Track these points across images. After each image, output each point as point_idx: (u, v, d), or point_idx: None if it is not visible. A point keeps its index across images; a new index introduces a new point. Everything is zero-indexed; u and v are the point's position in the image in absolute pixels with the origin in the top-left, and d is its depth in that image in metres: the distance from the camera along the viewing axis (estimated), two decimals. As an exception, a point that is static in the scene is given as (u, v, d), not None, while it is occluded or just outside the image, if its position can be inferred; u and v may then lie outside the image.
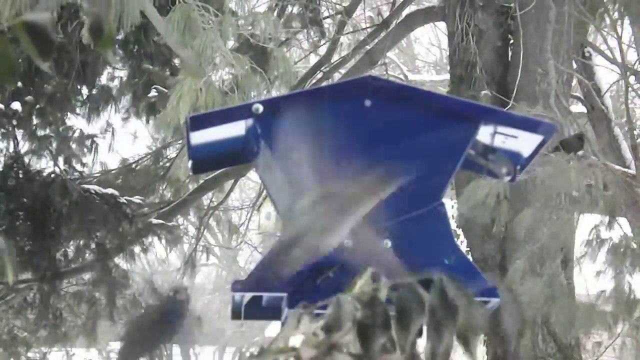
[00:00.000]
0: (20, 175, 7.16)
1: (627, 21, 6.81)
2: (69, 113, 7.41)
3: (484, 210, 5.12)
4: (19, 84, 6.88)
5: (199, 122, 1.67)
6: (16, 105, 6.99)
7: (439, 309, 0.99)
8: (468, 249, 6.01)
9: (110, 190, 7.24)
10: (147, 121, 7.21)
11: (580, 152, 5.23)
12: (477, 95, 5.82)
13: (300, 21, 7.61)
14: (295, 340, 0.98)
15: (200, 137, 1.69)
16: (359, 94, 1.62)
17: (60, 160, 7.44)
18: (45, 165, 7.39)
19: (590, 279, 5.42)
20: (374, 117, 1.62)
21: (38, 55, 0.87)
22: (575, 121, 6.71)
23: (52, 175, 7.15)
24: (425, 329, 1.01)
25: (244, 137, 1.69)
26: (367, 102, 1.61)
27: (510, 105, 5.32)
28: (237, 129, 1.67)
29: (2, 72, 0.90)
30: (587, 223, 5.48)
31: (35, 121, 7.23)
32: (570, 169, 4.99)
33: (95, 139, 7.61)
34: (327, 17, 7.87)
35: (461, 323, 0.99)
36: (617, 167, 6.06)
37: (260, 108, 1.61)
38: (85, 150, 7.53)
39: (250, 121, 1.63)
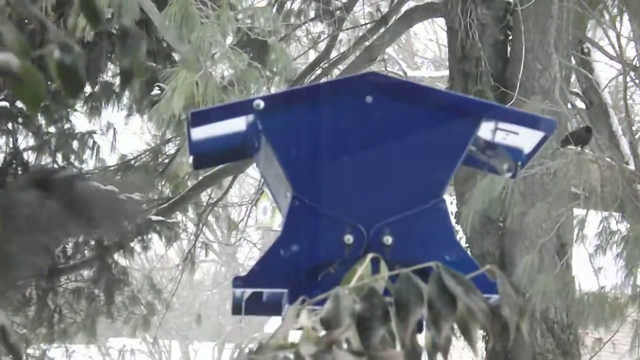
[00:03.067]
0: (20, 172, 7.15)
1: (626, 17, 6.81)
2: (71, 110, 7.40)
3: (498, 206, 5.12)
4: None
5: (199, 117, 1.67)
6: (21, 103, 6.98)
7: (438, 299, 0.99)
8: (467, 245, 6.01)
9: (109, 187, 7.23)
10: (150, 119, 7.19)
11: (586, 145, 5.23)
12: (486, 90, 5.81)
13: (302, 16, 7.60)
14: (295, 335, 0.97)
15: (201, 132, 1.69)
16: (360, 91, 1.62)
17: (59, 156, 7.43)
18: (44, 161, 7.38)
19: (592, 274, 5.42)
20: (375, 114, 1.62)
21: (67, 94, 0.90)
22: (580, 114, 6.72)
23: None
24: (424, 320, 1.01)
25: (245, 132, 1.69)
26: (369, 99, 1.61)
27: (514, 99, 5.32)
28: (238, 124, 1.67)
29: (31, 100, 0.93)
30: (589, 219, 5.48)
31: (39, 119, 7.21)
32: (579, 163, 4.99)
33: (95, 135, 7.59)
34: (327, 12, 7.86)
35: (461, 312, 0.99)
36: (616, 162, 6.05)
37: (262, 104, 1.61)
38: (86, 147, 7.52)
39: (251, 117, 1.64)
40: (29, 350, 8.14)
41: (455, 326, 1.01)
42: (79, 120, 7.56)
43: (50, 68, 0.90)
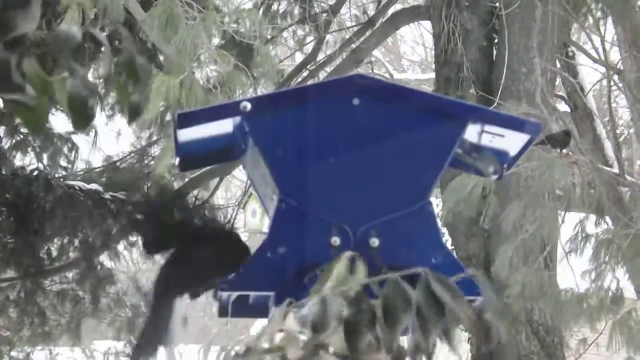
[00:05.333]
0: (3, 172, 7.11)
1: (610, 20, 6.85)
2: (53, 109, 7.35)
3: (470, 205, 5.14)
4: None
5: (186, 119, 1.67)
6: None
7: (426, 306, 0.99)
8: (452, 247, 6.02)
9: (94, 186, 7.21)
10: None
11: (565, 149, 5.25)
12: (466, 96, 5.83)
13: (289, 18, 7.60)
14: (280, 338, 0.97)
15: (187, 134, 1.69)
16: (346, 93, 1.62)
17: (44, 157, 7.39)
18: (28, 161, 7.35)
19: (579, 277, 5.44)
20: (362, 116, 1.62)
21: (76, 125, 0.92)
22: (562, 118, 6.76)
23: (36, 172, 7.10)
24: (410, 325, 1.01)
25: (232, 134, 1.69)
26: (355, 101, 1.62)
27: (495, 104, 5.35)
28: (224, 126, 1.67)
29: (35, 126, 0.96)
30: (573, 220, 5.51)
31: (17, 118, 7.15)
32: (555, 165, 5.01)
33: (76, 136, 7.56)
34: (314, 15, 7.86)
35: (447, 318, 1.00)
36: (601, 165, 6.09)
37: (248, 106, 1.61)
38: (69, 147, 7.48)
39: (238, 119, 1.63)
40: (13, 353, 8.08)
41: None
42: (61, 120, 7.52)
43: (59, 97, 0.91)
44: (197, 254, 1.69)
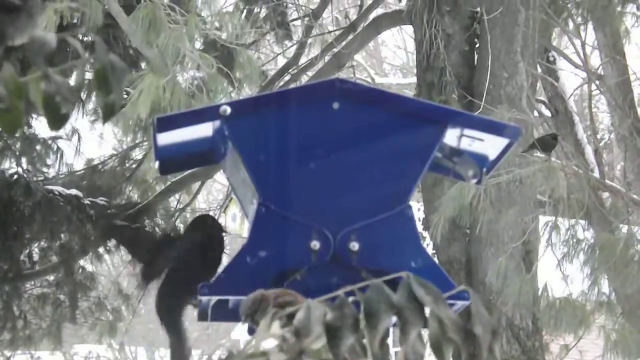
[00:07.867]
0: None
1: (590, 26, 6.90)
2: (34, 115, 7.32)
3: (467, 213, 5.16)
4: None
5: (165, 123, 1.66)
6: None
7: (407, 307, 1.00)
8: (434, 251, 6.03)
9: (73, 191, 7.17)
10: (116, 123, 7.14)
11: (552, 151, 5.30)
12: (449, 101, 5.85)
13: (269, 23, 7.61)
14: (266, 344, 0.97)
15: (167, 138, 1.68)
16: (327, 97, 1.62)
17: (24, 161, 7.35)
18: (8, 165, 7.30)
19: (563, 282, 5.48)
20: (342, 120, 1.62)
21: (51, 125, 0.92)
22: (546, 122, 6.80)
23: (16, 176, 7.06)
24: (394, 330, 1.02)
25: (212, 138, 1.68)
26: (335, 105, 1.62)
27: (481, 108, 5.36)
28: (204, 130, 1.67)
29: (9, 127, 0.94)
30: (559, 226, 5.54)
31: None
32: (544, 170, 5.04)
33: (60, 140, 7.52)
34: (295, 19, 7.87)
35: (432, 327, 1.00)
36: (583, 170, 6.13)
37: (228, 110, 1.61)
38: (50, 152, 7.45)
39: (217, 123, 1.63)
40: (-8, 357, 8.03)
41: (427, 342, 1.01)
42: (43, 125, 7.48)
43: (34, 97, 0.90)
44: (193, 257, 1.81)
